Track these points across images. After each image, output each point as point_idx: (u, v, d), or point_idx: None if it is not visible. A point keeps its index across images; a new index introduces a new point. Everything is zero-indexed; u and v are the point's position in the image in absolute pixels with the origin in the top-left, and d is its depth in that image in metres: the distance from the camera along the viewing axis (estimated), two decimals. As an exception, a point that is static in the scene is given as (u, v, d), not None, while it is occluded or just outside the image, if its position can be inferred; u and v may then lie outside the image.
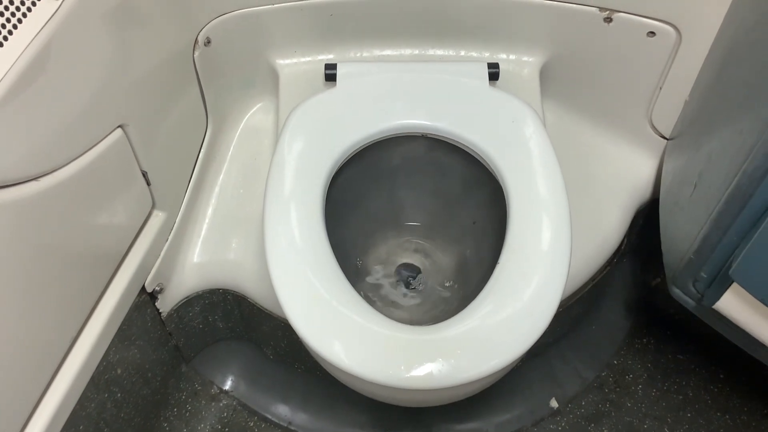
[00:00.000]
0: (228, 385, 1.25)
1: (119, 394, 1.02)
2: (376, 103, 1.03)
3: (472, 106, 1.03)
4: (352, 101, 1.03)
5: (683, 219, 0.97)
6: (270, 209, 0.92)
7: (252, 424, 1.22)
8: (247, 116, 1.23)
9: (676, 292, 0.98)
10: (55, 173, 0.76)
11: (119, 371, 1.00)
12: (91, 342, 0.90)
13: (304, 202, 0.93)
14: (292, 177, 0.95)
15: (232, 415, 1.23)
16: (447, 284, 1.11)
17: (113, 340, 0.96)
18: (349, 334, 0.83)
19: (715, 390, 1.25)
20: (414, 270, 1.13)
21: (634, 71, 1.10)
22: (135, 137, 0.90)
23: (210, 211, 1.15)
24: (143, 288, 1.02)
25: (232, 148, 1.20)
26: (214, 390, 1.24)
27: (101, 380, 0.96)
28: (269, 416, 1.23)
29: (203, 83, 1.07)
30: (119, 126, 0.87)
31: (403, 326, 0.84)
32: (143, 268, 0.99)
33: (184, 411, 1.21)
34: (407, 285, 1.12)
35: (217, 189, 1.16)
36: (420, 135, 1.03)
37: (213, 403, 1.23)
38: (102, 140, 0.84)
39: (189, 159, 1.09)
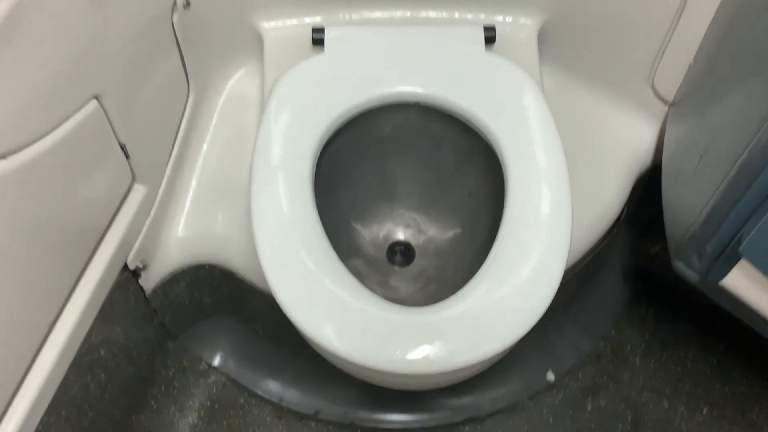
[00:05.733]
0: (216, 361, 1.22)
1: (103, 375, 0.98)
2: (367, 70, 0.97)
3: (467, 73, 0.98)
4: (342, 68, 0.98)
5: (687, 190, 0.93)
6: (257, 183, 0.88)
7: (242, 401, 1.19)
8: (230, 82, 1.17)
9: (679, 265, 0.95)
10: (24, 151, 0.71)
11: (102, 352, 0.96)
12: (72, 324, 0.86)
13: (293, 174, 0.89)
14: (279, 148, 0.90)
15: (221, 391, 1.19)
16: (441, 259, 1.08)
17: (95, 321, 0.92)
18: (341, 316, 0.80)
19: (715, 361, 1.23)
20: (407, 247, 1.10)
21: (637, 33, 1.05)
22: (111, 108, 0.85)
23: (194, 183, 1.09)
24: (125, 266, 0.97)
25: (215, 116, 1.14)
26: (202, 366, 1.21)
27: (83, 362, 0.92)
28: (259, 392, 1.20)
29: (183, 48, 1.01)
30: (94, 97, 0.82)
31: (398, 307, 0.80)
32: (124, 245, 0.95)
33: (171, 388, 1.18)
34: (400, 263, 1.09)
35: (200, 160, 1.11)
36: (413, 103, 0.98)
37: (201, 380, 1.20)
38: (76, 113, 0.78)
39: (170, 129, 1.03)
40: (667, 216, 0.99)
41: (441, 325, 0.79)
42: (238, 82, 1.17)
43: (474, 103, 0.95)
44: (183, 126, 1.05)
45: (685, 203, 0.92)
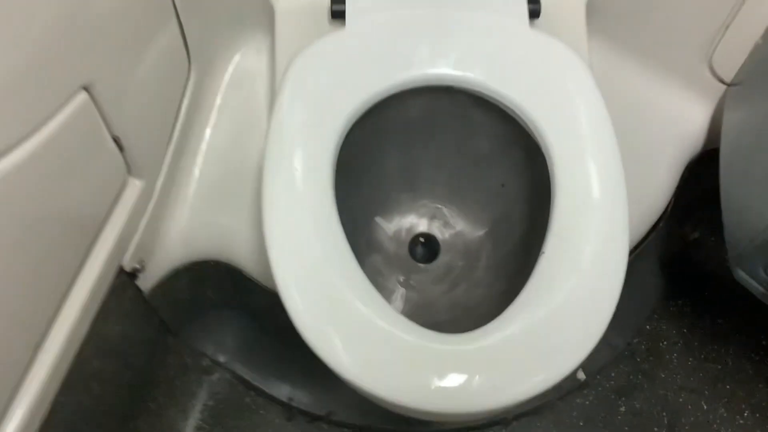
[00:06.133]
0: (221, 357, 1.12)
1: (97, 388, 0.88)
2: (394, 49, 0.85)
3: (508, 52, 0.86)
4: (365, 46, 0.85)
5: (757, 192, 0.83)
6: (270, 184, 0.77)
7: (249, 400, 1.10)
8: (236, 58, 1.02)
9: (741, 274, 0.85)
10: (3, 159, 0.60)
11: (95, 364, 0.86)
12: (62, 340, 0.76)
13: (312, 171, 0.78)
14: (295, 143, 0.79)
15: (226, 389, 1.10)
16: (470, 257, 0.97)
17: (88, 333, 0.82)
18: (365, 341, 0.70)
19: (757, 358, 1.14)
20: (431, 240, 0.99)
21: (698, 6, 0.92)
22: (103, 98, 0.73)
23: (197, 172, 0.97)
24: (121, 268, 0.86)
25: (220, 96, 1.00)
26: (206, 362, 1.11)
27: (76, 380, 0.82)
28: (268, 391, 1.10)
29: (183, 20, 0.88)
30: (83, 87, 0.70)
31: (431, 334, 0.70)
32: (120, 247, 0.84)
33: (173, 388, 1.08)
34: (424, 259, 0.98)
35: (203, 146, 0.98)
36: (445, 87, 0.86)
37: (205, 377, 1.10)
38: (62, 109, 0.66)
39: (169, 113, 0.91)
40: (728, 217, 0.89)
41: (484, 355, 0.69)
42: (245, 58, 1.02)
43: (514, 87, 0.83)
44: (184, 109, 0.92)
45: (754, 207, 0.82)
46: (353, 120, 0.82)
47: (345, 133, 0.82)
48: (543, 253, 0.74)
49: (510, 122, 0.85)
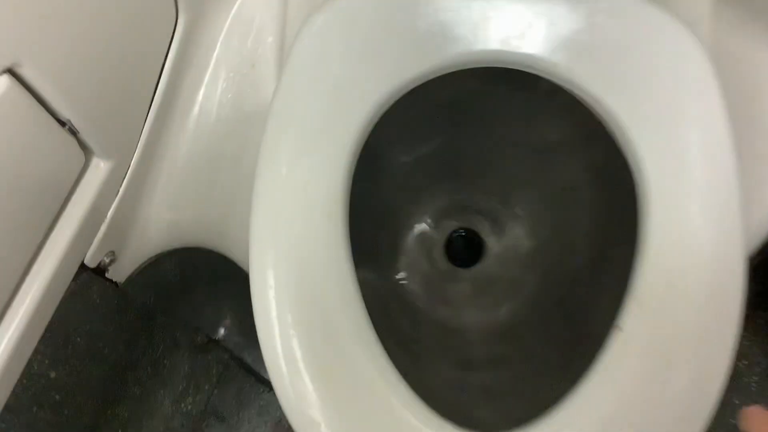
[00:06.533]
0: (218, 332, 0.97)
1: (57, 396, 0.75)
2: (444, 14, 0.63)
3: (598, 30, 0.62)
4: (406, 8, 0.63)
5: None
6: (264, 172, 0.59)
7: (248, 387, 0.96)
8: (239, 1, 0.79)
9: None
10: None
11: (53, 375, 0.72)
12: (5, 360, 0.62)
13: (319, 170, 0.59)
14: (301, 132, 0.60)
15: (222, 372, 0.96)
16: (519, 267, 0.78)
17: (39, 347, 0.66)
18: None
19: None
20: (473, 238, 0.80)
21: None
22: (38, 78, 0.54)
23: (185, 143, 0.77)
24: (82, 266, 0.70)
25: (217, 49, 0.77)
26: (200, 339, 0.97)
27: (26, 396, 0.68)
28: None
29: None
30: (6, 71, 0.51)
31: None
32: (80, 241, 0.67)
33: (161, 368, 0.94)
34: (462, 258, 0.80)
35: (195, 110, 0.77)
36: (511, 69, 0.64)
37: (199, 356, 0.96)
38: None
39: (148, 74, 0.70)
40: None
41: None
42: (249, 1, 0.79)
43: (604, 81, 0.61)
44: (169, 65, 0.71)
45: None
46: (386, 106, 0.62)
47: (373, 123, 0.62)
48: (619, 327, 0.55)
49: (587, 116, 0.64)
